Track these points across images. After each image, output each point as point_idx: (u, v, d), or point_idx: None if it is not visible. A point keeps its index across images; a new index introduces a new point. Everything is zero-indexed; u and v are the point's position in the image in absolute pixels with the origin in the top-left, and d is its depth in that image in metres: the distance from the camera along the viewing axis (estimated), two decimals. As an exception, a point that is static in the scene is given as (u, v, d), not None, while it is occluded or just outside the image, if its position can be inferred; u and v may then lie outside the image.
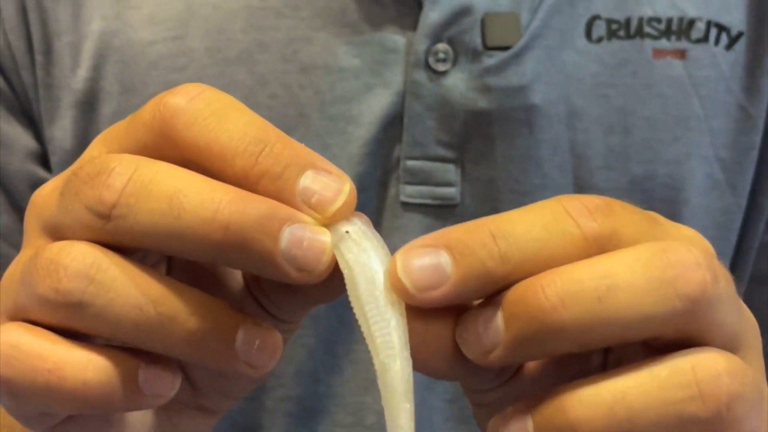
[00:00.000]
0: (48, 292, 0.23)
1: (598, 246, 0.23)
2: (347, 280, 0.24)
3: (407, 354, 0.24)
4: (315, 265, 0.23)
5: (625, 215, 0.24)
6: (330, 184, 0.24)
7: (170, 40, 0.42)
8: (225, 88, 0.41)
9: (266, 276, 0.24)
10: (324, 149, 0.42)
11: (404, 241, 0.41)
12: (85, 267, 0.23)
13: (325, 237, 0.24)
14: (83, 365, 0.24)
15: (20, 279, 0.25)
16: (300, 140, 0.40)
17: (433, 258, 0.23)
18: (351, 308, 0.44)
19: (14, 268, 0.26)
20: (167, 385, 0.25)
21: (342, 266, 0.24)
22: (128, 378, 0.24)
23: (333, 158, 0.41)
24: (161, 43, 0.42)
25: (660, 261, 0.23)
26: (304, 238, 0.23)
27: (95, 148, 0.27)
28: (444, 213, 0.42)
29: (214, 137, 0.24)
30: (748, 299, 0.47)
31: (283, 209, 0.23)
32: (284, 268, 0.23)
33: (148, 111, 0.25)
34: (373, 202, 0.43)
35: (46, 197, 0.26)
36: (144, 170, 0.24)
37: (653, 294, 0.22)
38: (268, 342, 0.25)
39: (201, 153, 0.24)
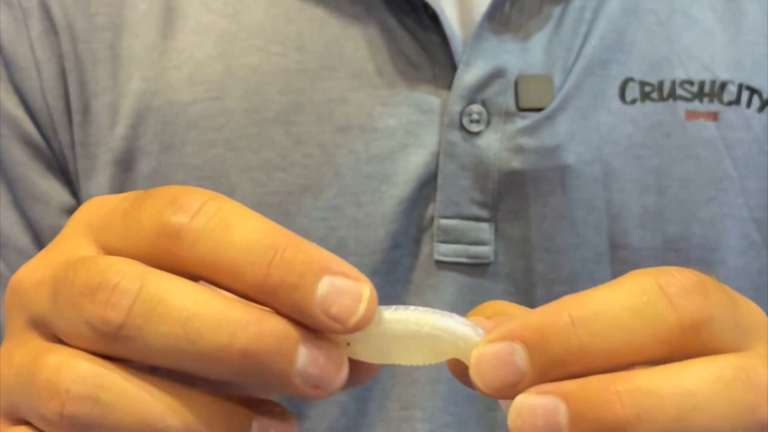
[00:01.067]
0: (52, 416, 0.23)
1: (695, 335, 0.22)
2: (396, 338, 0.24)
3: None
4: (331, 382, 0.23)
5: (717, 295, 0.23)
6: (349, 290, 0.23)
7: (209, 101, 0.43)
8: (262, 147, 0.42)
9: (283, 393, 0.24)
10: (358, 207, 0.42)
11: (437, 299, 0.42)
12: (88, 389, 0.23)
13: (341, 356, 0.23)
14: None
15: (18, 390, 0.24)
16: (334, 198, 0.42)
17: (508, 356, 0.22)
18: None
19: (6, 365, 0.25)
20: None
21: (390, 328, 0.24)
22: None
23: (367, 216, 0.42)
24: (200, 103, 0.43)
25: (742, 383, 0.22)
26: (320, 357, 0.23)
27: (82, 240, 0.25)
28: (478, 271, 0.43)
29: (221, 253, 0.23)
30: None
31: (298, 330, 0.23)
32: (300, 388, 0.23)
33: (148, 226, 0.24)
34: (407, 260, 0.43)
35: (31, 289, 0.25)
36: (151, 288, 0.23)
37: (733, 419, 0.22)
38: (283, 428, 0.24)
39: (209, 270, 0.23)
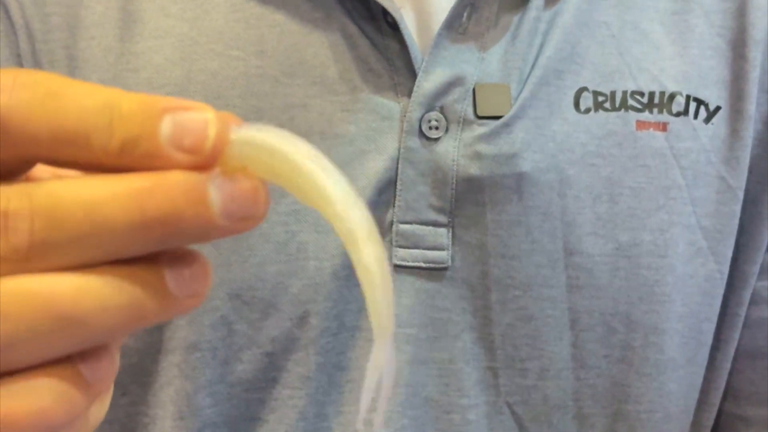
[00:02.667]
0: None
1: None
2: (271, 155, 0.22)
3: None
4: (255, 208, 0.22)
5: None
6: (192, 119, 0.22)
7: None
8: None
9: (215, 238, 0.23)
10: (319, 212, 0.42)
11: (396, 303, 0.42)
12: None
13: (249, 180, 0.22)
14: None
15: None
16: (295, 203, 0.42)
17: None
18: (341, 369, 0.44)
19: None
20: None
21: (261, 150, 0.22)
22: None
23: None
24: None
25: None
26: (231, 188, 0.22)
27: None
28: (435, 276, 0.43)
29: (56, 125, 0.21)
30: (740, 372, 0.48)
31: (198, 174, 0.22)
32: (230, 228, 0.22)
33: None
34: None
35: None
36: (41, 198, 0.21)
37: None
38: (196, 269, 0.23)
39: (47, 148, 0.21)
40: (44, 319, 0.21)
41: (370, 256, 0.23)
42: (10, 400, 0.22)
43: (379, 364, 0.24)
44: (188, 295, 0.23)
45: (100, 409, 0.27)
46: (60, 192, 0.21)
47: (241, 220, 0.22)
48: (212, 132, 0.22)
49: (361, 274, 0.23)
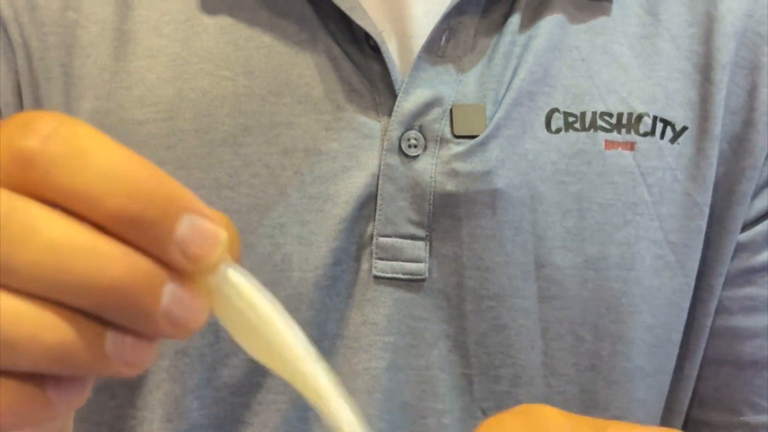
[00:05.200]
0: None
1: None
2: (246, 321, 0.24)
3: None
4: (194, 324, 0.23)
5: None
6: (207, 232, 0.23)
7: (161, 121, 0.45)
8: (211, 167, 0.44)
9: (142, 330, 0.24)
10: (302, 225, 0.44)
11: (375, 312, 0.45)
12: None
13: (204, 301, 0.23)
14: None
15: None
16: (280, 217, 0.44)
17: None
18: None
19: None
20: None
21: (237, 307, 0.24)
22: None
23: (311, 234, 0.44)
24: (152, 123, 0.45)
25: None
26: (184, 298, 0.23)
27: None
28: (413, 287, 0.45)
29: (77, 180, 0.22)
30: (705, 379, 0.50)
31: (165, 270, 0.23)
32: (162, 327, 0.23)
33: (1, 149, 0.23)
34: (348, 275, 0.45)
35: None
36: (18, 214, 0.22)
37: None
38: (138, 341, 0.24)
39: (65, 197, 0.22)
40: None
41: (341, 413, 0.25)
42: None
43: None
44: (124, 361, 0.23)
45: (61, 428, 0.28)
46: (39, 220, 0.22)
47: (175, 327, 0.23)
48: (217, 253, 0.23)
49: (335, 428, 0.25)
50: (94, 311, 0.23)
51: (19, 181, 0.22)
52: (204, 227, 0.23)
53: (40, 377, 0.23)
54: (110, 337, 0.23)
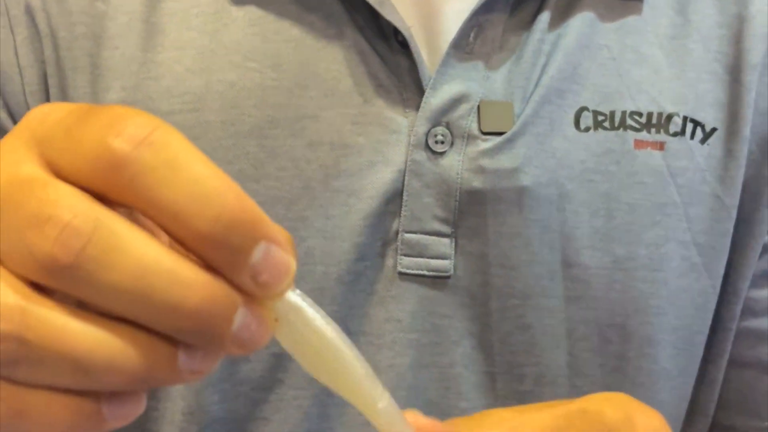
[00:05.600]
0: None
1: None
2: (313, 348, 0.25)
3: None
4: (257, 347, 0.24)
5: None
6: (280, 261, 0.23)
7: (187, 112, 0.45)
8: (237, 158, 0.44)
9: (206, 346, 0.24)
10: (327, 219, 0.44)
11: (399, 309, 0.44)
12: (14, 326, 0.22)
13: (268, 325, 0.24)
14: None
15: None
16: (304, 210, 0.44)
17: None
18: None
19: None
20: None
21: (303, 335, 0.25)
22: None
23: (335, 228, 0.44)
24: (178, 114, 0.45)
25: None
26: (252, 322, 0.23)
27: (25, 152, 0.24)
28: (438, 284, 0.45)
29: (164, 194, 0.22)
30: (728, 382, 0.49)
31: (240, 295, 0.23)
32: (228, 347, 0.23)
33: (89, 148, 0.22)
34: (371, 271, 0.45)
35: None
36: (105, 232, 0.22)
37: None
38: (208, 359, 0.24)
39: (148, 207, 0.22)
40: (50, 352, 0.22)
41: None
42: (26, 404, 0.23)
43: None
44: (193, 372, 0.24)
45: None
46: (126, 240, 0.22)
47: (240, 348, 0.23)
48: (286, 283, 0.23)
49: None
50: (171, 333, 0.23)
51: (103, 181, 0.22)
52: (278, 257, 0.23)
53: (95, 396, 0.23)
54: (182, 356, 0.23)
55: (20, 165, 0.23)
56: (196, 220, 0.22)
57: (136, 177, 0.22)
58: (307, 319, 0.25)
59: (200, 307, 0.22)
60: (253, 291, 0.23)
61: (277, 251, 0.23)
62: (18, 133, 0.24)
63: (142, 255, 0.22)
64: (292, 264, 0.23)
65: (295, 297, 0.25)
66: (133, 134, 0.22)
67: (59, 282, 0.22)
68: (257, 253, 0.23)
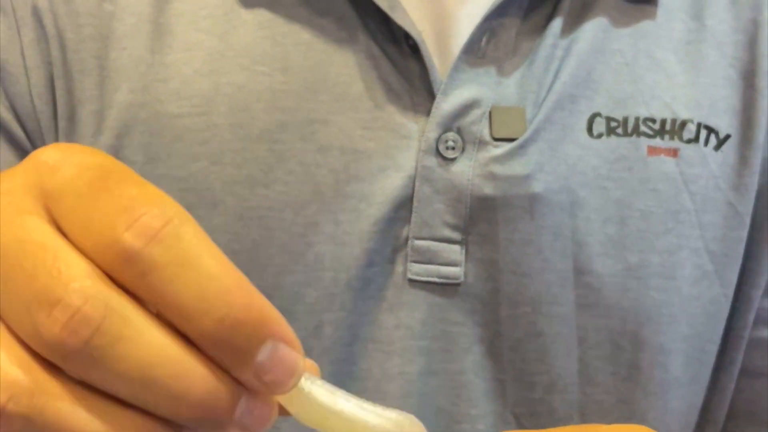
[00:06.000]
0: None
1: None
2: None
3: None
4: (262, 429, 0.24)
5: None
6: (286, 361, 0.23)
7: (196, 115, 0.44)
8: (246, 162, 0.43)
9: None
10: (336, 225, 0.44)
11: (409, 317, 0.44)
12: (22, 408, 0.22)
13: (274, 409, 0.24)
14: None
15: None
16: (313, 216, 0.43)
17: None
18: (354, 379, 0.45)
19: None
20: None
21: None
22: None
23: (345, 234, 0.44)
24: (187, 117, 0.44)
25: None
26: (255, 408, 0.23)
27: (31, 203, 0.23)
28: (448, 291, 0.44)
29: (172, 292, 0.22)
30: (739, 391, 0.49)
31: (241, 390, 0.23)
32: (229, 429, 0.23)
33: (100, 231, 0.22)
34: (381, 278, 0.44)
35: None
36: (115, 321, 0.22)
37: None
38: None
39: (156, 300, 0.22)
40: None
41: None
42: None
43: None
44: (243, 426, 0.23)
45: None
46: (135, 329, 0.22)
47: (244, 429, 0.23)
48: (292, 382, 0.23)
49: None
50: (173, 420, 0.23)
51: (111, 269, 0.22)
52: (284, 356, 0.23)
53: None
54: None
55: (27, 219, 0.23)
56: (201, 320, 0.22)
57: (145, 274, 0.22)
58: (320, 402, 0.25)
59: (203, 398, 0.22)
60: (258, 389, 0.23)
61: (284, 350, 0.23)
62: (25, 177, 0.24)
63: (150, 345, 0.22)
64: (299, 362, 0.23)
65: (306, 383, 0.24)
66: (147, 227, 0.22)
67: (64, 363, 0.22)
68: (263, 353, 0.23)
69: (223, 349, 0.22)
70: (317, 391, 0.25)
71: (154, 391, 0.22)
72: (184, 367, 0.22)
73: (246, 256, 0.44)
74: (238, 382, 0.23)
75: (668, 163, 0.46)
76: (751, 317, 0.49)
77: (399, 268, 0.44)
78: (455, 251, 0.44)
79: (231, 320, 0.22)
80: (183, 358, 0.22)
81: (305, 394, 0.25)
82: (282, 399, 0.24)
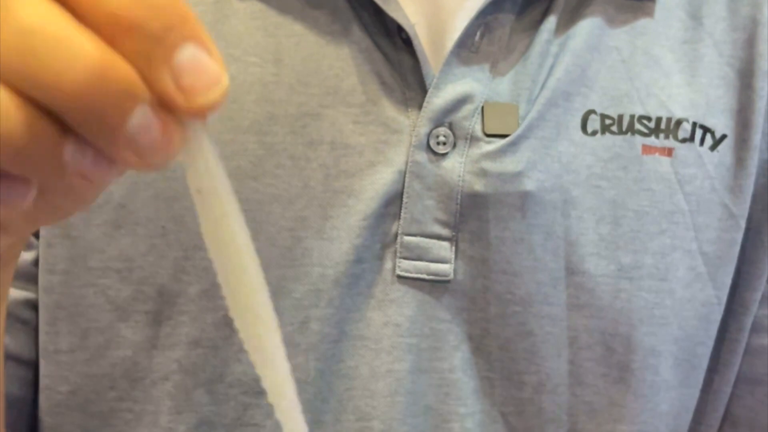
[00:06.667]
0: None
1: None
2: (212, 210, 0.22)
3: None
4: (157, 160, 0.21)
5: None
6: (211, 69, 0.20)
7: None
8: (235, 154, 0.43)
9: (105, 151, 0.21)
10: (325, 220, 0.43)
11: (398, 313, 0.43)
12: None
13: (174, 140, 0.21)
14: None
15: None
16: (303, 210, 0.43)
17: None
18: (341, 377, 0.44)
19: None
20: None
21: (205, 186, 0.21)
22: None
23: (333, 229, 0.43)
24: None
25: None
26: (155, 126, 0.20)
27: None
28: (438, 288, 0.44)
29: None
30: (739, 398, 0.48)
31: (146, 90, 0.20)
32: (121, 151, 0.21)
33: None
34: (369, 274, 0.44)
35: None
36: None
37: None
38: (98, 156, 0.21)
39: None
40: None
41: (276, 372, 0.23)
42: None
43: None
44: (80, 173, 0.21)
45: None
46: (15, 1, 0.19)
47: (137, 155, 0.21)
48: (215, 94, 0.21)
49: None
50: (59, 111, 0.20)
51: None
52: (208, 64, 0.20)
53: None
54: (69, 147, 0.21)
55: None
56: (116, 1, 0.20)
57: None
58: (210, 170, 0.21)
59: (88, 81, 0.19)
60: (172, 94, 0.20)
61: (208, 59, 0.20)
62: None
63: (31, 15, 0.19)
64: (224, 80, 0.20)
65: (207, 138, 0.21)
66: None
67: None
68: (183, 54, 0.20)
69: (137, 35, 0.19)
70: (211, 150, 0.22)
71: (34, 66, 0.19)
72: (69, 39, 0.19)
73: None
74: (137, 78, 0.20)
75: (663, 163, 0.45)
76: (747, 320, 0.48)
77: (388, 264, 0.44)
78: (445, 248, 0.44)
79: (150, 4, 0.20)
80: (70, 31, 0.20)
81: (202, 146, 0.21)
82: (183, 132, 0.21)
